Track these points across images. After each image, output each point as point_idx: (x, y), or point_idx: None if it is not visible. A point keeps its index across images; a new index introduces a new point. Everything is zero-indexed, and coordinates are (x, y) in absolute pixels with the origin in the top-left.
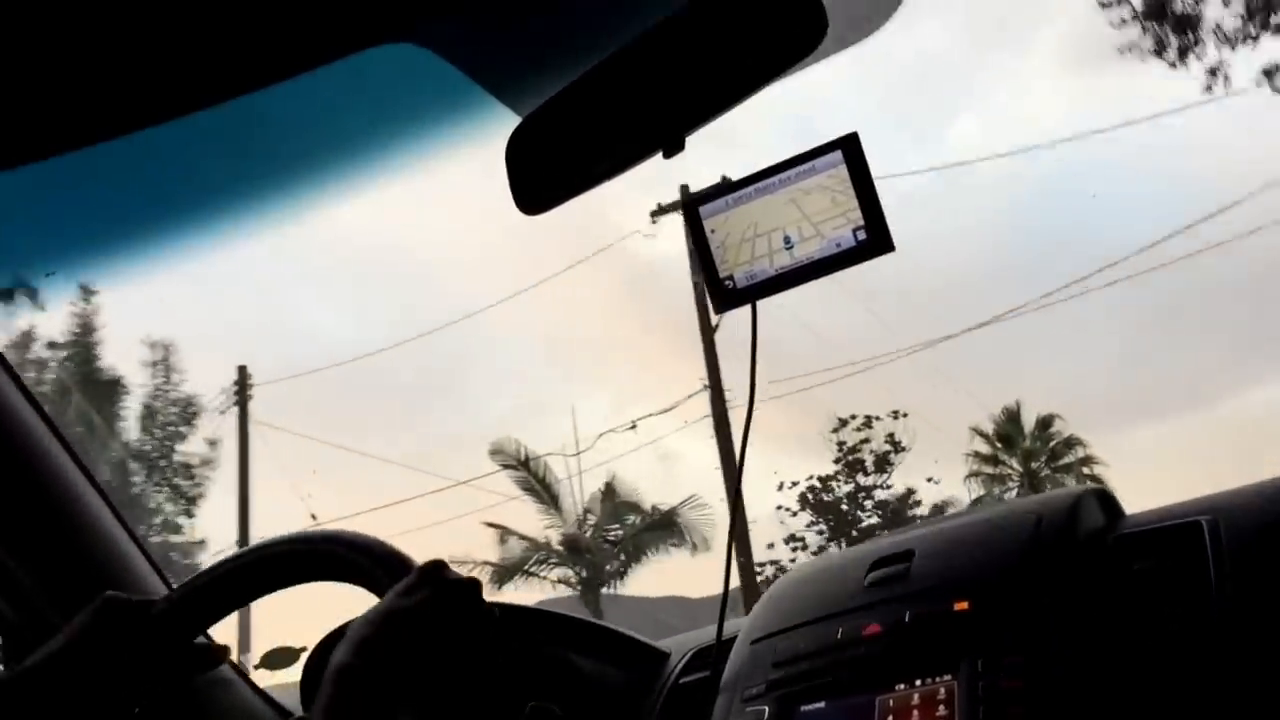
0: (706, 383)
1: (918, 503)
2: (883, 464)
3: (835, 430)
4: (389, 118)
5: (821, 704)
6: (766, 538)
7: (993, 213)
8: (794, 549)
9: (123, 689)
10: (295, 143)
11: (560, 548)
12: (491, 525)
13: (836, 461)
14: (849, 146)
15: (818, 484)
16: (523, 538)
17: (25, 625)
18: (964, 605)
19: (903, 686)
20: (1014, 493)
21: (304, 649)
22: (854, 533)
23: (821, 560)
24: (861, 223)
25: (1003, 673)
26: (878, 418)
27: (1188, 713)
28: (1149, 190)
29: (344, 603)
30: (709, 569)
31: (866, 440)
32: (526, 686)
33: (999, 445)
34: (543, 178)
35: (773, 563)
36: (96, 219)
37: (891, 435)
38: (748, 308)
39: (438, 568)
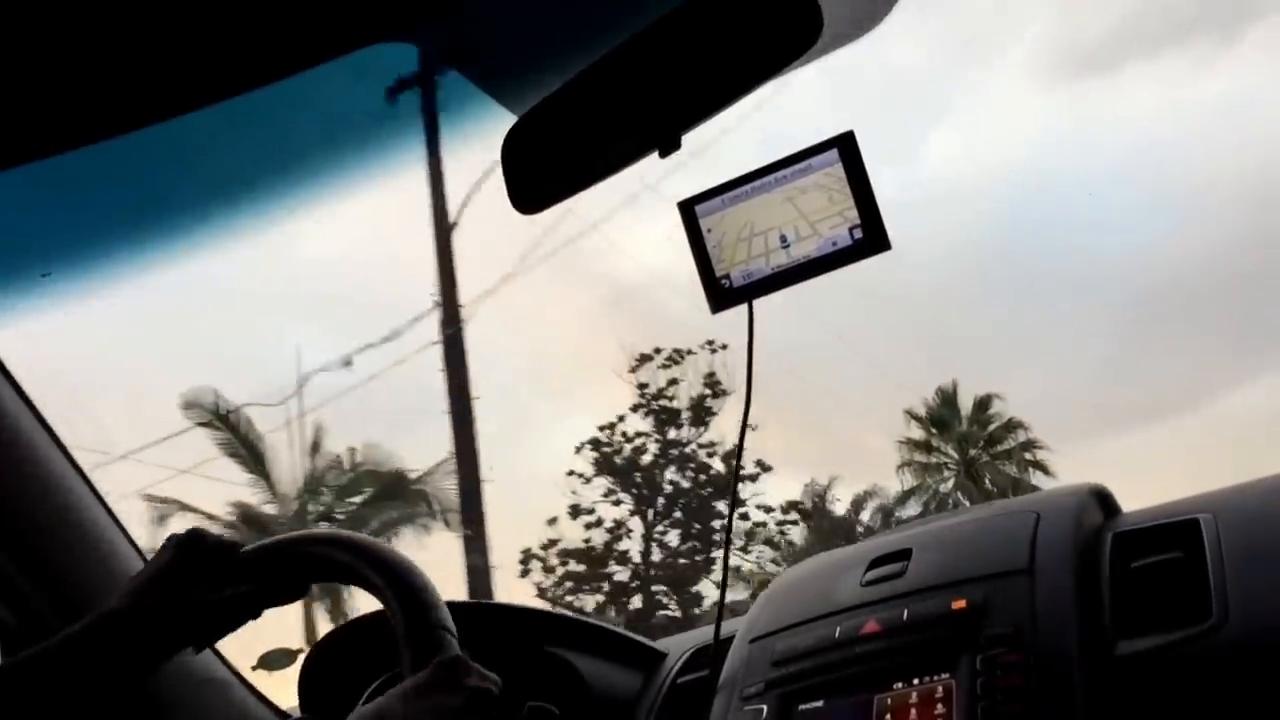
0: (438, 298)
1: (769, 468)
2: (701, 414)
3: (634, 369)
4: (385, 117)
5: (820, 703)
6: (552, 510)
7: (970, 224)
8: (587, 526)
9: (202, 626)
10: (292, 141)
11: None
12: (153, 499)
13: (637, 409)
14: (845, 145)
15: (618, 439)
16: (195, 511)
17: (22, 628)
18: (962, 604)
19: (901, 685)
20: (950, 483)
21: (301, 650)
22: (660, 500)
23: (819, 559)
24: (858, 221)
25: (1001, 671)
26: (690, 351)
27: (1187, 710)
28: (1127, 197)
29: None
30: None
31: (675, 381)
32: (524, 687)
33: (933, 430)
34: (538, 177)
35: (540, 551)
36: (91, 219)
37: (711, 376)
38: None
39: (454, 669)
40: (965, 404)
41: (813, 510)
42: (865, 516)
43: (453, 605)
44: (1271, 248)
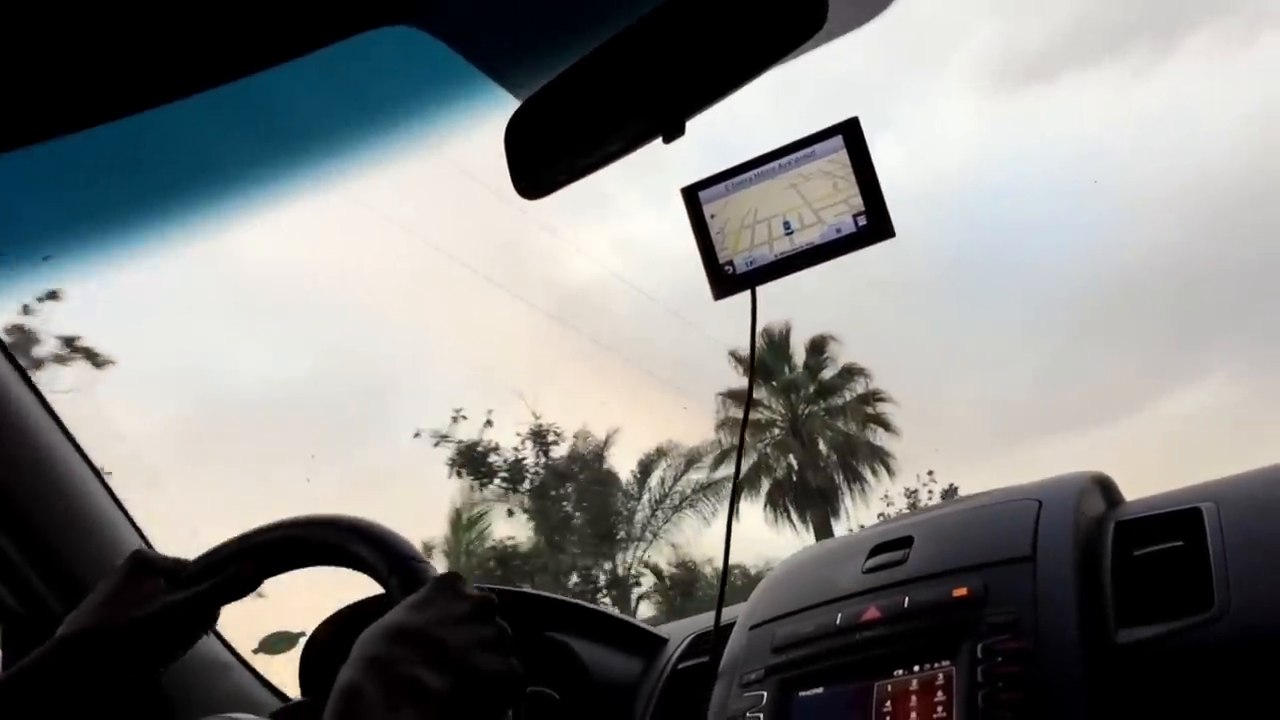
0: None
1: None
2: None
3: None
4: (388, 101)
5: (820, 689)
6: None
7: (914, 230)
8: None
9: (153, 650)
10: (294, 126)
11: None
12: None
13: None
14: (850, 131)
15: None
16: None
17: (26, 613)
18: (963, 591)
19: (901, 672)
20: (775, 441)
21: (303, 634)
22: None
23: (821, 546)
24: (862, 208)
25: (1002, 658)
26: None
27: (1188, 698)
28: (1069, 204)
29: (343, 587)
30: None
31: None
32: (524, 672)
33: (761, 381)
34: (542, 162)
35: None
36: (81, 205)
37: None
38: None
39: (452, 581)
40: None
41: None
42: (656, 479)
43: None
44: (1210, 251)
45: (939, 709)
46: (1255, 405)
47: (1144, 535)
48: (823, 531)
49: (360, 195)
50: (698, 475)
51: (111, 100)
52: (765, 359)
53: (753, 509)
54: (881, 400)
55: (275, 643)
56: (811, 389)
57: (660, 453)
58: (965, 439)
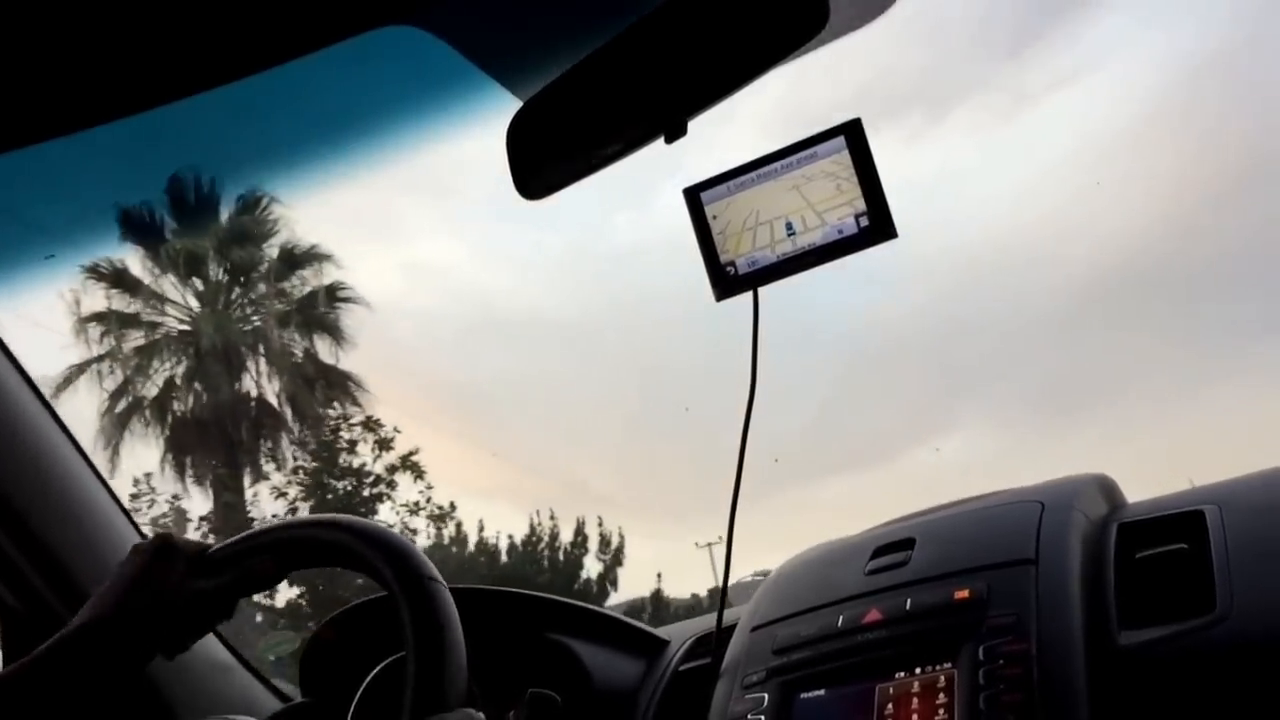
0: None
1: None
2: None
3: None
4: (390, 101)
5: (821, 691)
6: None
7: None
8: None
9: (172, 635)
10: (297, 125)
11: None
12: None
13: None
14: (852, 132)
15: None
16: None
17: (26, 611)
18: (965, 593)
19: (903, 674)
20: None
21: (303, 635)
22: None
23: (823, 548)
24: (864, 209)
25: (1004, 661)
26: None
27: (1190, 701)
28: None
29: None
30: None
31: None
32: (526, 673)
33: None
34: (544, 162)
35: None
36: (91, 198)
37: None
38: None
39: None
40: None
41: None
42: None
43: (455, 591)
44: (966, 311)
45: (940, 711)
46: (1005, 459)
47: (1147, 537)
48: (230, 509)
49: None
50: None
51: (112, 99)
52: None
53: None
54: (346, 296)
55: (278, 643)
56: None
57: None
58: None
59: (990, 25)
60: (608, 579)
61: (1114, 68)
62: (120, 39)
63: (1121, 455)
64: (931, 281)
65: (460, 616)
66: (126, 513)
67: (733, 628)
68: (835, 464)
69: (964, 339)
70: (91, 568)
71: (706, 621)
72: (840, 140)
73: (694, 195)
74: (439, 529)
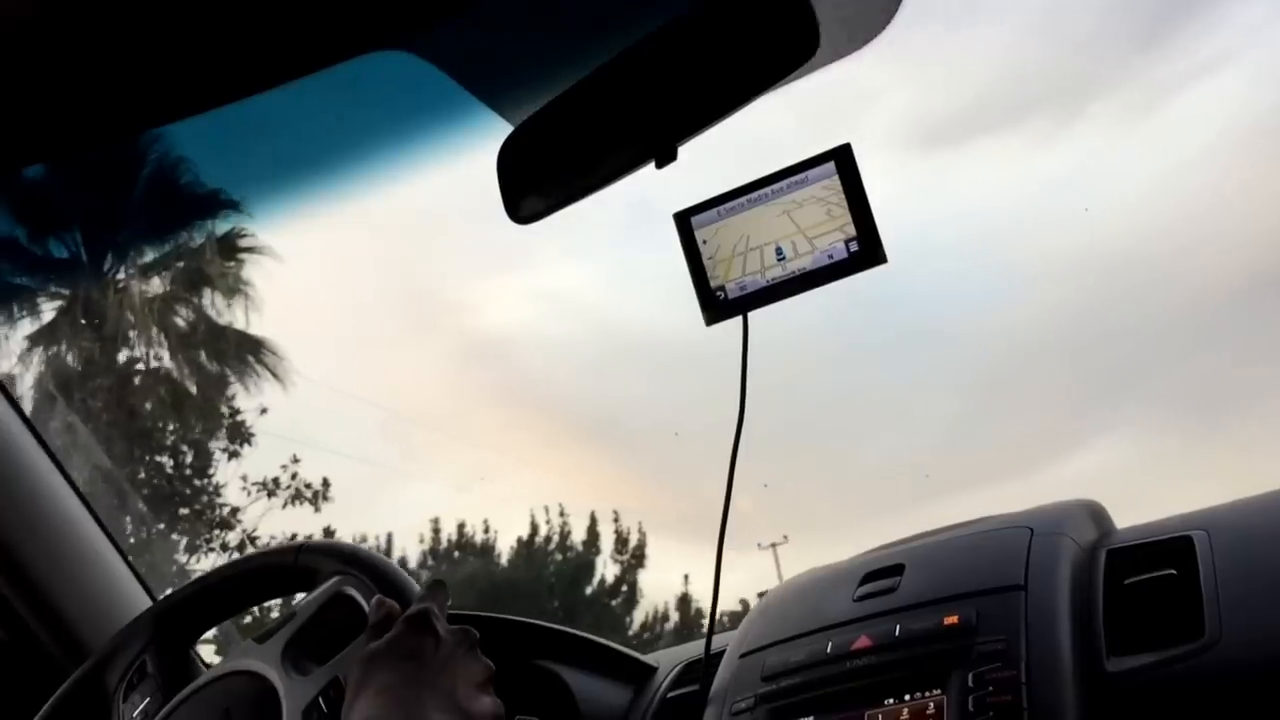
0: None
1: None
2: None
3: None
4: (381, 125)
5: (810, 718)
6: None
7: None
8: None
9: None
10: (287, 150)
11: None
12: None
13: None
14: (842, 158)
15: None
16: None
17: (12, 641)
18: (954, 620)
19: (892, 701)
20: None
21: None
22: None
23: (812, 574)
24: (854, 234)
25: (993, 687)
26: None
27: None
28: (972, 268)
29: None
30: None
31: None
32: (513, 700)
33: None
34: (534, 187)
35: None
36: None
37: None
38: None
39: (428, 618)
40: None
41: None
42: None
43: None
44: (1102, 316)
45: None
46: (1148, 465)
47: (1135, 563)
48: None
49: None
50: None
51: (102, 124)
52: None
53: None
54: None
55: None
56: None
57: None
58: (884, 497)
59: (1119, 19)
60: (625, 582)
61: (1255, 55)
62: (110, 63)
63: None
64: (1065, 285)
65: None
66: (115, 543)
67: (721, 654)
68: (971, 478)
69: (1102, 344)
70: (80, 599)
71: (695, 648)
72: (830, 165)
73: (684, 220)
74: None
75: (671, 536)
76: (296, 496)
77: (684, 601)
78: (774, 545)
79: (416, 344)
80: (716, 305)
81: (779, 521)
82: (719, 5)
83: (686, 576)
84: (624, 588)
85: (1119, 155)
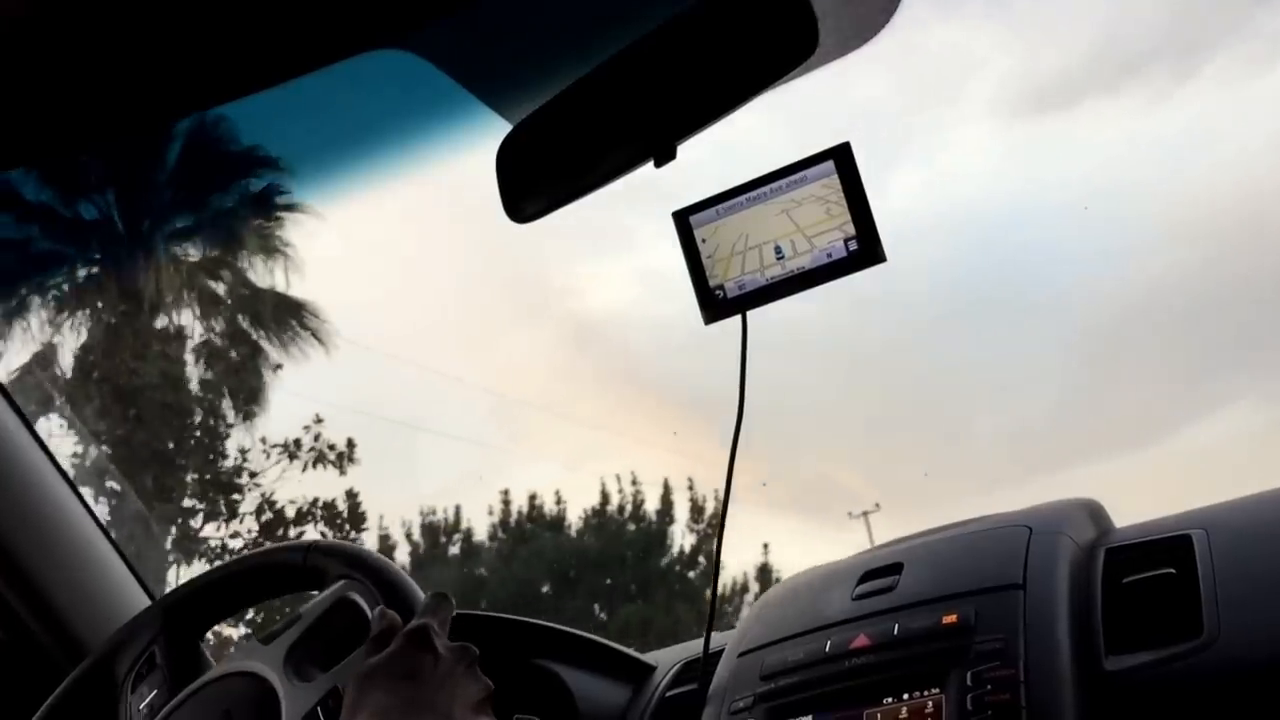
0: None
1: None
2: None
3: None
4: (379, 124)
5: (809, 717)
6: None
7: (933, 261)
8: None
9: None
10: (286, 148)
11: None
12: None
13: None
14: (841, 156)
15: None
16: None
17: (10, 641)
18: (953, 618)
19: (890, 700)
20: None
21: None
22: None
23: (811, 573)
24: (853, 233)
25: (991, 686)
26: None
27: None
28: (1088, 230)
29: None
30: None
31: None
32: (511, 699)
33: None
34: (533, 186)
35: None
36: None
37: None
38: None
39: (426, 634)
40: None
41: None
42: None
43: None
44: (1227, 277)
45: None
46: (1273, 434)
47: (1134, 562)
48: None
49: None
50: None
51: (99, 123)
52: None
53: None
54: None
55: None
56: None
57: None
58: (991, 469)
59: None
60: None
61: None
62: (107, 62)
63: None
64: (1182, 248)
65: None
66: (114, 543)
67: (720, 653)
68: (1085, 450)
69: (1221, 308)
70: (79, 599)
71: (694, 647)
72: (829, 164)
73: (683, 218)
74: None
75: (748, 507)
76: (319, 459)
77: (764, 572)
78: (865, 514)
79: (524, 329)
80: (715, 304)
81: (890, 495)
82: (718, 3)
83: (766, 545)
84: (700, 558)
85: (1239, 111)
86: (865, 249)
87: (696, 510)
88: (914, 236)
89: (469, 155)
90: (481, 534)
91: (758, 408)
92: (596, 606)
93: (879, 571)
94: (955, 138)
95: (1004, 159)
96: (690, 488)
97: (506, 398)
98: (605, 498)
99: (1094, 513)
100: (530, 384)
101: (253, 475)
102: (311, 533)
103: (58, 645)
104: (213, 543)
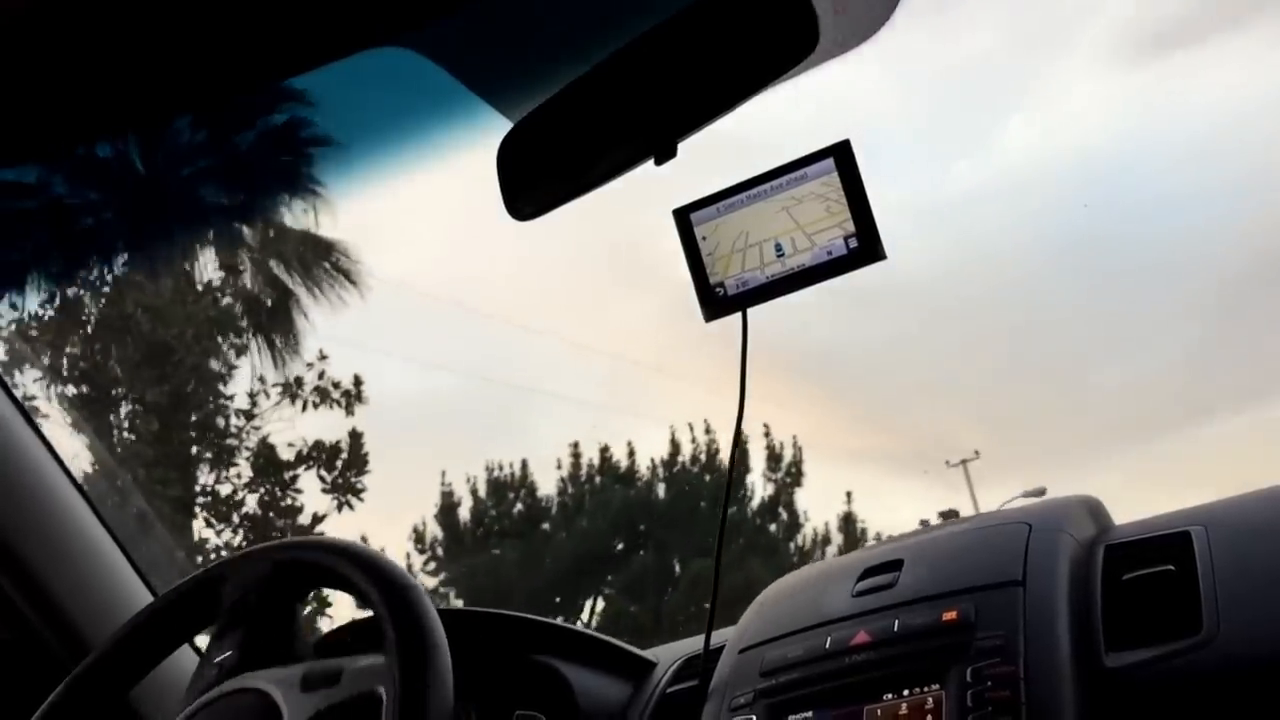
0: None
1: None
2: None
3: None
4: (380, 122)
5: (809, 713)
6: None
7: (1050, 209)
8: None
9: None
10: (285, 147)
11: None
12: None
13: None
14: (840, 154)
15: None
16: None
17: (12, 638)
18: (953, 615)
19: (890, 696)
20: None
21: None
22: None
23: (811, 569)
24: (853, 231)
25: (991, 683)
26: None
27: None
28: (1211, 175)
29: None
30: None
31: None
32: (512, 696)
33: None
34: (534, 184)
35: None
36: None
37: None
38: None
39: None
40: None
41: None
42: None
43: (440, 613)
44: None
45: None
46: None
47: (1133, 559)
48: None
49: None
50: None
51: (100, 121)
52: None
53: None
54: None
55: None
56: None
57: None
58: (1112, 426)
59: None
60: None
61: None
62: (105, 61)
63: None
64: None
65: (446, 639)
66: (118, 540)
67: (721, 649)
68: (1211, 405)
69: None
70: (81, 597)
71: (695, 643)
72: (829, 162)
73: (683, 216)
74: None
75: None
76: (323, 398)
77: (847, 521)
78: (964, 462)
79: (638, 294)
80: (716, 302)
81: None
82: (719, 1)
83: (849, 494)
84: (780, 509)
85: None
86: (865, 247)
87: (774, 458)
88: (1030, 187)
89: (469, 153)
90: (550, 488)
91: (868, 358)
92: (668, 559)
93: (879, 568)
94: (1073, 85)
95: (1123, 104)
96: (766, 434)
97: (623, 359)
98: (675, 447)
99: (1093, 510)
100: (648, 348)
101: (250, 417)
102: (309, 477)
103: (62, 645)
104: (216, 538)
